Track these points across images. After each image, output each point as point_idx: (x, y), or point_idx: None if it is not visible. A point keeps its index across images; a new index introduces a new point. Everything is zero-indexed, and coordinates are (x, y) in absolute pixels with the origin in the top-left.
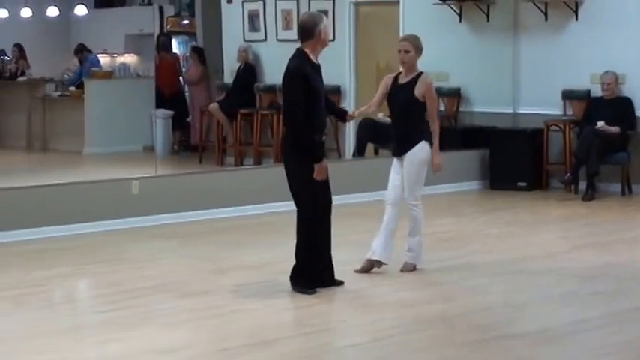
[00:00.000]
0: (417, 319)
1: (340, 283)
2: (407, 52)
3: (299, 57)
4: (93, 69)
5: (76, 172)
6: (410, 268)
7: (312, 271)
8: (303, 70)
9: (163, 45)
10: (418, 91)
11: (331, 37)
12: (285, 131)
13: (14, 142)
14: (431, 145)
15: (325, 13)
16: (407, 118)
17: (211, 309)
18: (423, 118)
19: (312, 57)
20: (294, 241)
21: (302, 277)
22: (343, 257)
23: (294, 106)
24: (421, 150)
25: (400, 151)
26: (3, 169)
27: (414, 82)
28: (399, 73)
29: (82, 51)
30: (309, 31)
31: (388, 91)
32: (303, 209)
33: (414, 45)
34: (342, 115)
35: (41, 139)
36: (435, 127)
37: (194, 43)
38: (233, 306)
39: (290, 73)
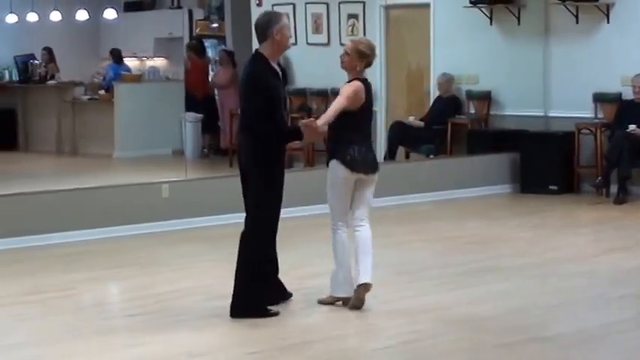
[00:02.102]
0: (447, 322)
1: (290, 295)
2: (346, 53)
3: (256, 61)
4: (123, 73)
5: (106, 176)
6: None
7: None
8: (263, 78)
9: (193, 48)
10: None
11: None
12: (242, 139)
13: (44, 146)
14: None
15: (356, 16)
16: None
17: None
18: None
19: (271, 61)
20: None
21: (253, 302)
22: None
23: (254, 116)
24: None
25: None
26: (33, 172)
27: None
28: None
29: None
30: (262, 31)
31: None
32: (260, 222)
33: (356, 49)
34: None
35: (71, 142)
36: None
37: (224, 46)
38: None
39: (249, 81)
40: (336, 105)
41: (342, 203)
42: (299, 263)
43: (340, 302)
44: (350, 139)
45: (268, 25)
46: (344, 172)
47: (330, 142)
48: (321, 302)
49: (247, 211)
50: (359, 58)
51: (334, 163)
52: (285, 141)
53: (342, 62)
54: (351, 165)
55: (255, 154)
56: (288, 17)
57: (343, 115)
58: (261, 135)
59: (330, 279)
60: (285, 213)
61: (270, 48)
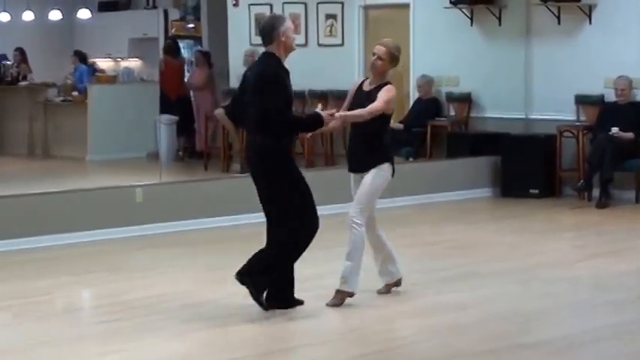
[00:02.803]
0: (427, 328)
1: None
2: (380, 58)
3: (271, 60)
4: (96, 74)
5: (79, 179)
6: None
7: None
8: (280, 75)
9: (169, 49)
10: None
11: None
12: (255, 140)
13: (15, 148)
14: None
15: (334, 17)
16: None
17: (215, 319)
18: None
19: (282, 61)
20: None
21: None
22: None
23: (274, 113)
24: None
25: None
26: (4, 176)
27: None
28: (366, 78)
29: (75, 56)
30: (268, 34)
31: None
32: (296, 232)
33: (389, 53)
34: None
35: (43, 145)
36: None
37: (199, 47)
38: (237, 317)
39: (265, 79)
40: (375, 109)
41: (374, 204)
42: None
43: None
44: (389, 143)
45: (273, 27)
46: (389, 176)
47: (374, 145)
48: (380, 292)
49: (277, 223)
50: (391, 62)
51: (387, 167)
52: (307, 128)
53: (374, 67)
54: (394, 171)
55: (275, 154)
56: (296, 19)
57: (382, 119)
58: (282, 130)
59: (350, 275)
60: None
61: (277, 50)
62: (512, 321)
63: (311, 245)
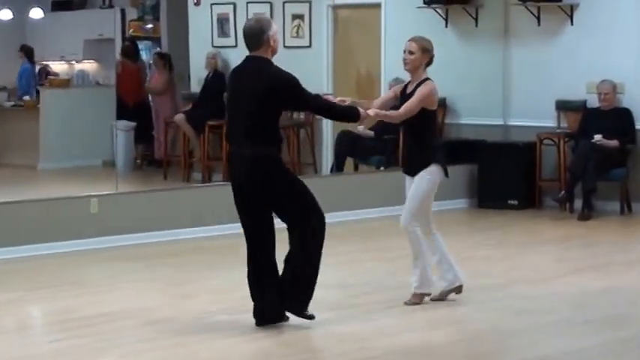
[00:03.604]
0: (398, 348)
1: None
2: (411, 52)
3: (271, 64)
4: (49, 77)
5: (30, 189)
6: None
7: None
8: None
9: (127, 51)
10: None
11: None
12: (243, 152)
13: None
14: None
15: (301, 17)
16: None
17: (176, 337)
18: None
19: None
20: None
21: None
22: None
23: (320, 101)
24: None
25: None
26: None
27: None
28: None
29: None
30: (256, 37)
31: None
32: (323, 223)
33: (421, 46)
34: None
35: None
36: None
37: (158, 48)
38: (199, 334)
39: (290, 81)
40: (408, 108)
41: (429, 206)
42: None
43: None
44: (438, 142)
45: (262, 31)
46: (441, 177)
47: (420, 144)
48: (434, 299)
49: (296, 225)
50: (424, 55)
51: (435, 169)
52: (343, 117)
53: (406, 63)
54: (446, 172)
55: (276, 161)
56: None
57: (424, 117)
58: (326, 115)
59: (421, 277)
60: (223, 229)
61: (265, 54)
62: (488, 340)
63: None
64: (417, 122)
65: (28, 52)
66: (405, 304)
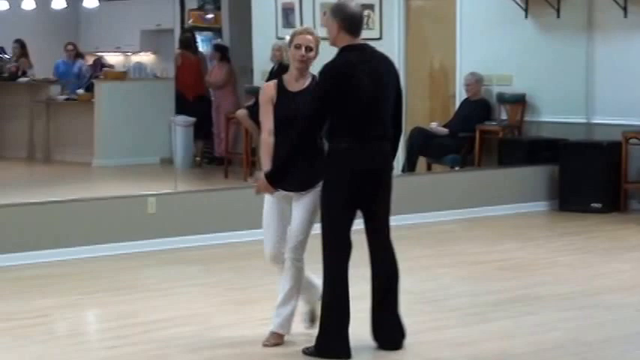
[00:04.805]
0: (473, 359)
1: None
2: (310, 49)
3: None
4: (104, 69)
5: (84, 187)
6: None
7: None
8: None
9: (187, 42)
10: None
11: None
12: (385, 146)
13: (13, 152)
14: None
15: (371, 7)
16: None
17: (237, 346)
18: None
19: None
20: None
21: None
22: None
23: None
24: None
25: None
26: (1, 183)
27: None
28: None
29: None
30: (361, 25)
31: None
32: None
33: (318, 40)
34: None
35: (44, 148)
36: None
37: (219, 40)
38: (259, 343)
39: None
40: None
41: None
42: None
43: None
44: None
45: (362, 15)
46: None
47: (316, 151)
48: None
49: (384, 228)
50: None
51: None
52: None
53: (309, 60)
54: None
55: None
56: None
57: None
58: None
59: (289, 317)
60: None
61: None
62: (570, 352)
63: None
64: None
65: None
66: (265, 345)
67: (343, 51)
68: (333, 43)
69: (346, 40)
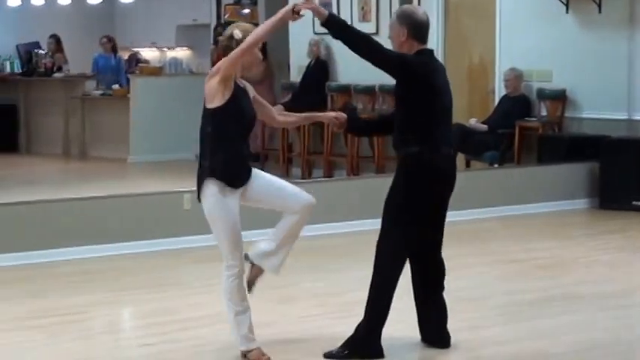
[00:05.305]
0: (512, 358)
1: None
2: None
3: None
4: (140, 65)
5: (120, 184)
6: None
7: None
8: None
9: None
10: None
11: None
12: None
13: (49, 148)
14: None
15: (409, 2)
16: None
17: (276, 344)
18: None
19: None
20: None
21: None
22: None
23: None
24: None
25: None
26: (36, 178)
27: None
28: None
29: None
30: (429, 29)
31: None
32: None
33: None
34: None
35: (79, 144)
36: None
37: None
38: (300, 341)
39: None
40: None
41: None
42: (341, 289)
43: None
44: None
45: (429, 25)
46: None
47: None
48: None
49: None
50: None
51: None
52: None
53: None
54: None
55: None
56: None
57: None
58: None
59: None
60: (326, 229)
61: None
62: (611, 352)
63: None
64: None
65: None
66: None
67: (421, 54)
68: (399, 48)
69: (414, 46)
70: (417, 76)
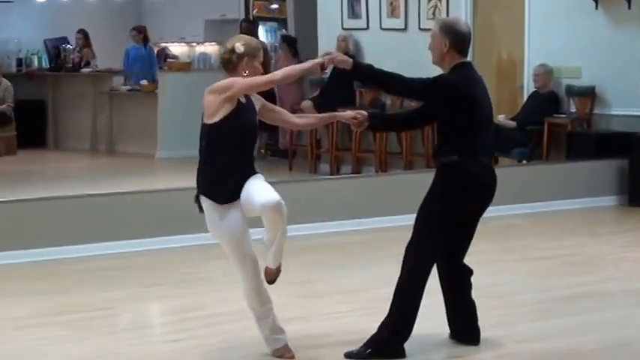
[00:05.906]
0: (541, 355)
1: None
2: None
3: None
4: (169, 60)
5: (147, 179)
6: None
7: None
8: None
9: (246, 32)
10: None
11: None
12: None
13: (76, 143)
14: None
15: None
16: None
17: (303, 339)
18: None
19: None
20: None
21: None
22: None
23: None
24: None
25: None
26: (63, 174)
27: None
28: None
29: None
30: (470, 42)
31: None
32: None
33: None
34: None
35: (107, 140)
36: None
37: (284, 30)
38: (328, 336)
39: None
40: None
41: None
42: (368, 285)
43: None
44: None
45: (471, 37)
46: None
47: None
48: None
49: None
50: None
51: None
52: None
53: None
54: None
55: None
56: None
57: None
58: None
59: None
60: (353, 225)
61: None
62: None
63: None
64: None
65: (142, 31)
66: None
67: (460, 68)
68: (440, 60)
69: (456, 59)
70: (457, 93)
